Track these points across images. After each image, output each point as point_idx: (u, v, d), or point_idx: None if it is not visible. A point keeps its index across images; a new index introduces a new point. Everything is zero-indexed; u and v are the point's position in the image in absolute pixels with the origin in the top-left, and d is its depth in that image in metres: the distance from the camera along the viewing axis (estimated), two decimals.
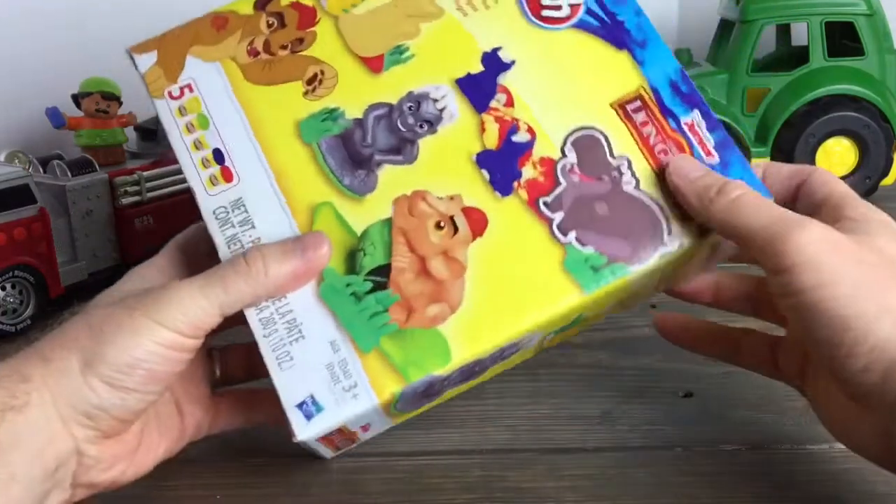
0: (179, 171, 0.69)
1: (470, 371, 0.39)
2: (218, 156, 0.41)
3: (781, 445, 0.42)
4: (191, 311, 0.37)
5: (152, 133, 0.70)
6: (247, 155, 0.41)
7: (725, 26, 0.85)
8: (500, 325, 0.37)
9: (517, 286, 0.38)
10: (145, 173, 0.67)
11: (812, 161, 0.77)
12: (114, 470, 0.38)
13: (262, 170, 0.41)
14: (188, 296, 0.37)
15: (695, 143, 0.39)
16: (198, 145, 0.42)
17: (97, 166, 0.65)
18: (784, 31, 0.88)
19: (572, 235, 0.38)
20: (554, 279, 0.38)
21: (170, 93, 0.43)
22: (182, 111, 0.42)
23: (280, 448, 0.42)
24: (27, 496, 0.34)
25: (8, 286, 0.59)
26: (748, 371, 0.43)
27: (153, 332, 0.36)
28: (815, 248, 0.33)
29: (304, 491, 0.40)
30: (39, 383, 0.35)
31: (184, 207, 0.70)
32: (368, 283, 0.38)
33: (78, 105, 0.69)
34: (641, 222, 0.38)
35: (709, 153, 0.39)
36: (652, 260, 0.38)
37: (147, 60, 0.44)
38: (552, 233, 0.38)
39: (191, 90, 0.43)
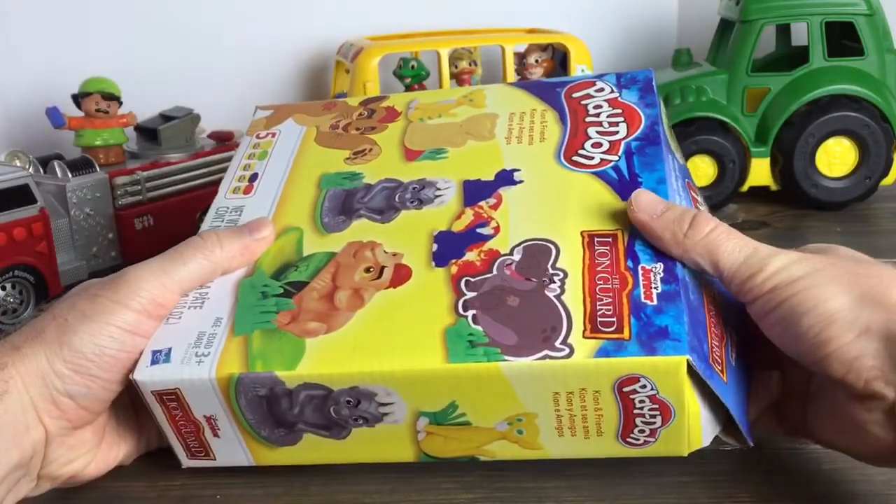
0: (179, 172, 0.70)
1: (324, 408, 0.38)
2: (253, 177, 0.49)
3: (781, 445, 0.42)
4: (152, 287, 0.39)
5: (152, 133, 0.71)
6: (272, 183, 0.48)
7: (725, 26, 0.85)
8: (353, 358, 0.37)
9: (392, 335, 0.38)
10: (145, 173, 0.67)
11: (812, 161, 0.77)
12: (76, 464, 0.39)
13: (274, 194, 0.47)
14: (149, 273, 0.40)
15: (641, 283, 0.38)
16: (246, 167, 0.50)
17: (97, 166, 0.65)
18: (784, 31, 0.88)
19: (470, 313, 0.38)
20: (428, 341, 0.37)
21: (258, 134, 0.53)
22: (256, 146, 0.52)
23: None
24: (3, 482, 0.36)
25: (8, 286, 0.59)
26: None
27: (117, 314, 0.38)
28: (790, 268, 0.36)
29: (303, 491, 0.40)
30: (13, 371, 0.37)
31: (184, 207, 0.70)
32: (281, 288, 0.41)
33: (78, 105, 0.69)
34: (541, 322, 0.37)
35: (649, 297, 0.37)
36: (531, 358, 0.36)
37: (262, 114, 0.55)
38: (455, 305, 0.38)
39: (272, 136, 0.52)
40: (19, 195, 0.59)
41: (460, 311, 0.38)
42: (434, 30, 0.88)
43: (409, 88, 0.80)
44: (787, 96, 0.77)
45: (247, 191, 0.48)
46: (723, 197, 0.79)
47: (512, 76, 0.79)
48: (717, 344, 0.38)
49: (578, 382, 0.36)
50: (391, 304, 0.39)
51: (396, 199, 0.45)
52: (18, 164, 0.63)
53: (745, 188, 0.80)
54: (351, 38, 0.85)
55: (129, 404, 0.42)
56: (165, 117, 0.72)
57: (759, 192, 0.81)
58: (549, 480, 0.40)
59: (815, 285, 0.35)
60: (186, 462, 0.41)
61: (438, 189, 0.45)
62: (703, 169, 0.78)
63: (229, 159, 0.73)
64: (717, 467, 0.40)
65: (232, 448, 0.40)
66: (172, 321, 0.40)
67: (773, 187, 0.80)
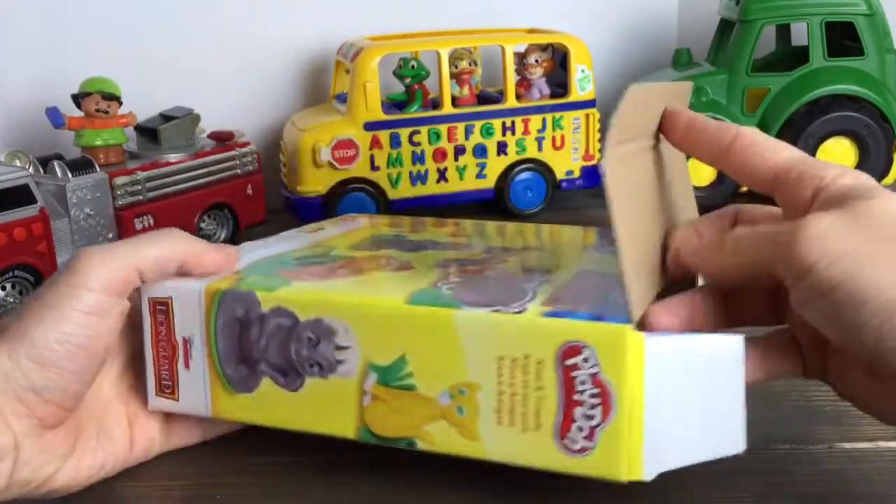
0: (179, 172, 0.70)
1: (287, 346, 0.39)
2: None
3: (781, 445, 0.42)
4: (106, 262, 0.38)
5: (152, 133, 0.71)
6: None
7: (725, 26, 0.85)
8: (327, 292, 0.40)
9: (370, 288, 0.40)
10: (145, 173, 0.67)
11: None
12: (47, 468, 0.38)
13: None
14: (106, 250, 0.39)
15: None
16: None
17: (97, 166, 0.65)
18: (784, 31, 0.88)
19: (448, 285, 0.40)
20: (399, 291, 0.39)
21: None
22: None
23: (281, 448, 0.42)
24: None
25: (8, 286, 0.59)
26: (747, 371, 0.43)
27: (77, 298, 0.37)
28: (827, 240, 0.31)
29: (304, 491, 0.40)
30: None
31: (184, 207, 0.70)
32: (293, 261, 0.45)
33: (78, 105, 0.69)
34: (510, 296, 0.38)
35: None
36: (485, 310, 0.37)
37: None
38: (436, 281, 0.41)
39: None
40: (19, 195, 0.59)
41: (439, 284, 0.40)
42: (434, 30, 0.88)
43: (409, 88, 0.80)
44: (787, 96, 0.77)
45: None
46: (722, 198, 0.79)
47: (512, 76, 0.79)
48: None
49: (524, 345, 0.36)
50: (385, 277, 0.43)
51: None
52: (18, 164, 0.63)
53: (744, 188, 0.80)
54: (351, 38, 0.85)
55: (122, 413, 0.41)
56: (165, 117, 0.72)
57: (759, 193, 0.80)
58: (550, 479, 0.40)
59: (868, 265, 0.30)
60: (153, 401, 0.42)
61: None
62: (703, 169, 0.78)
63: (229, 159, 0.73)
64: (718, 467, 0.40)
65: (196, 388, 0.41)
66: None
67: None
